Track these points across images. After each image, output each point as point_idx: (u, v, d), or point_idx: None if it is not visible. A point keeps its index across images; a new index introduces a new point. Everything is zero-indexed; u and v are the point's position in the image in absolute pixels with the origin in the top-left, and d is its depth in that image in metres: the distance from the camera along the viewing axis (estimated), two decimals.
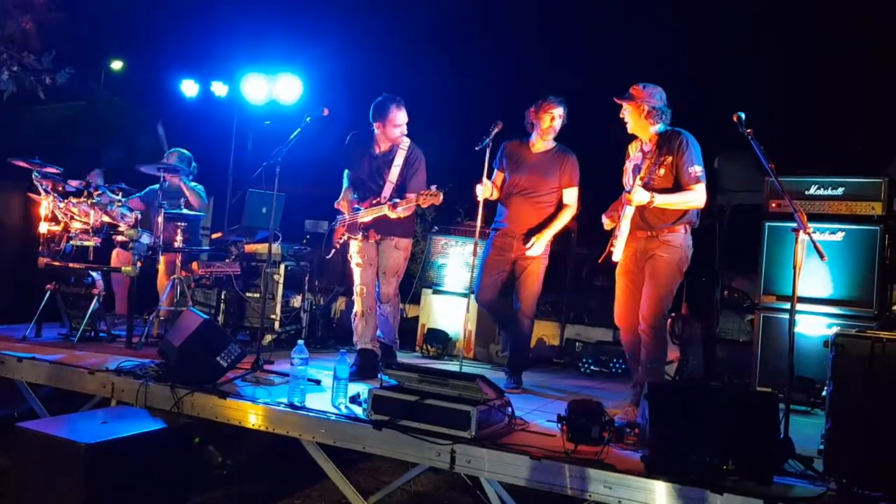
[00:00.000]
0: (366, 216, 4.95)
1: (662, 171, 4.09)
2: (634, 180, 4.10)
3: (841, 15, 7.28)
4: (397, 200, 4.82)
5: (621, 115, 4.31)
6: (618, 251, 4.20)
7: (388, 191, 4.98)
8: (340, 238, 5.14)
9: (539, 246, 4.81)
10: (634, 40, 8.36)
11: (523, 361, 5.08)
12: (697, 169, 4.09)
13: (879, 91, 7.12)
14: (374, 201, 4.97)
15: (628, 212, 4.14)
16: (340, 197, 5.16)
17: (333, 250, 5.21)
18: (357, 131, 5.18)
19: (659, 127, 4.22)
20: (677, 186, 4.11)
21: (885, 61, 7.01)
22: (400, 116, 4.91)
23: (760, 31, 7.78)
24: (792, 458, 3.16)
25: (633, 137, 4.41)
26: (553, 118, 4.83)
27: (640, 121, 4.22)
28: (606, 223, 4.35)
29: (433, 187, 4.71)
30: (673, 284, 4.19)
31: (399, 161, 4.99)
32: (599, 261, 4.35)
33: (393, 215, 4.81)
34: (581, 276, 7.78)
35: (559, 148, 4.96)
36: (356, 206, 5.05)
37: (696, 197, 4.08)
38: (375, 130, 4.98)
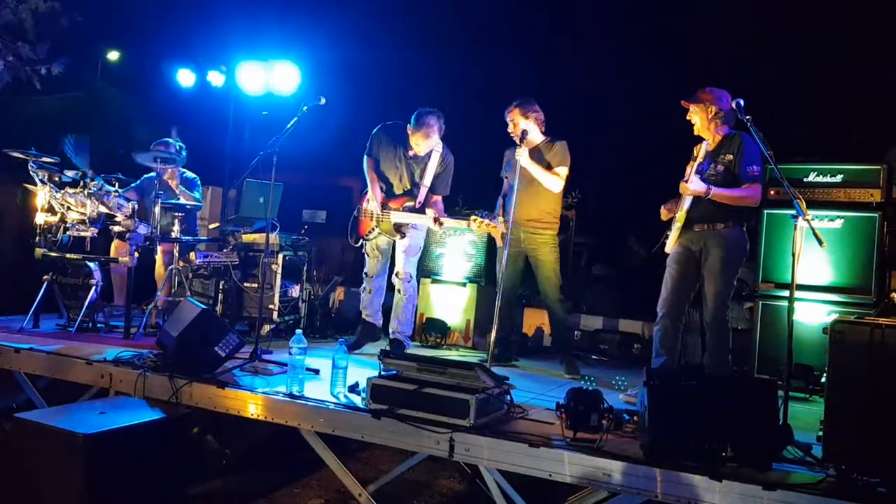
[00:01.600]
0: (403, 218, 5.16)
1: (721, 168, 4.29)
2: (692, 172, 4.27)
3: (839, 8, 7.27)
4: (443, 218, 5.06)
5: (688, 118, 4.45)
6: (669, 243, 4.42)
7: (422, 195, 5.21)
8: (369, 231, 5.29)
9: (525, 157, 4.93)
10: (631, 36, 8.34)
11: (567, 344, 5.31)
12: (755, 168, 4.24)
13: (876, 82, 7.11)
14: (407, 203, 5.16)
15: (685, 204, 4.30)
16: (369, 193, 5.25)
17: (363, 241, 5.38)
18: (390, 123, 5.31)
19: (724, 129, 4.37)
20: (734, 184, 4.26)
21: (882, 53, 6.99)
22: (432, 138, 5.07)
23: (758, 24, 7.76)
24: (791, 444, 3.16)
25: (669, 137, 4.64)
26: (513, 124, 5.06)
27: (707, 122, 4.36)
28: (664, 214, 4.52)
29: (484, 213, 4.94)
30: (733, 278, 4.36)
31: (433, 165, 5.20)
32: (652, 251, 4.56)
33: (435, 227, 5.10)
34: (580, 265, 7.79)
35: (549, 139, 5.16)
36: (384, 202, 5.21)
37: (750, 194, 4.25)
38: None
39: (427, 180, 5.19)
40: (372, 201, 5.20)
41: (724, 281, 4.28)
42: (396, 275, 5.30)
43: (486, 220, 4.91)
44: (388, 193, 5.25)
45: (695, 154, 4.51)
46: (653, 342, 4.50)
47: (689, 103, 4.39)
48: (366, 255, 5.42)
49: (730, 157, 4.29)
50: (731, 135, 4.36)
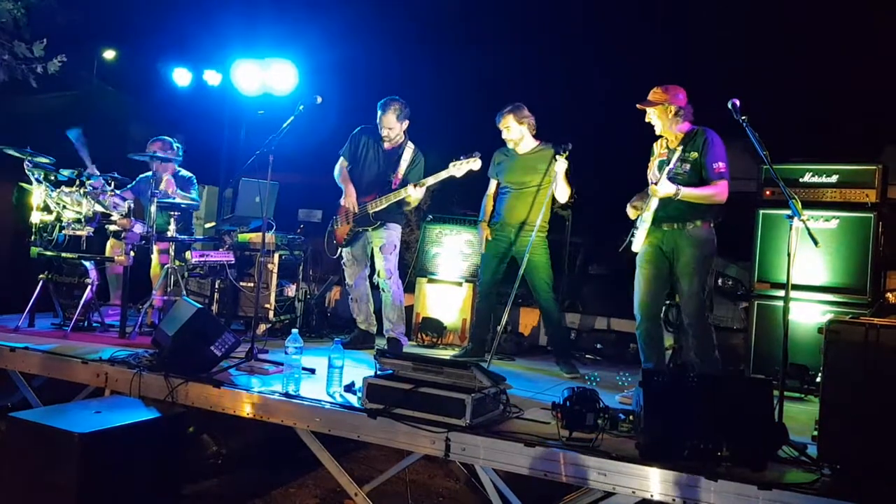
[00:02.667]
0: (379, 205, 5.29)
1: (687, 166, 4.27)
2: (661, 175, 4.22)
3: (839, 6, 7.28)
4: (419, 182, 5.21)
5: (647, 120, 4.41)
6: (637, 242, 4.37)
7: (396, 183, 5.35)
8: (345, 237, 5.44)
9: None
10: (627, 34, 8.35)
11: (565, 344, 5.33)
12: (721, 165, 4.23)
13: (871, 82, 7.13)
14: (383, 191, 5.32)
15: (653, 204, 4.28)
16: (345, 194, 5.44)
17: (340, 249, 5.53)
18: (366, 126, 5.48)
19: (685, 125, 4.34)
20: (701, 182, 4.24)
21: (878, 53, 7.00)
22: (396, 119, 5.27)
23: (754, 20, 7.77)
24: (786, 444, 3.17)
25: (656, 136, 4.50)
26: (508, 129, 5.15)
27: (668, 123, 4.33)
28: (631, 213, 4.49)
29: (461, 157, 5.08)
30: (707, 276, 4.35)
31: (407, 157, 5.39)
32: (619, 250, 4.52)
33: (417, 194, 5.20)
34: (576, 265, 7.79)
35: (543, 146, 5.21)
36: (360, 200, 5.38)
37: (718, 192, 4.22)
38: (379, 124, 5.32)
39: (401, 171, 5.36)
40: (349, 197, 5.39)
41: (699, 280, 4.26)
42: (378, 275, 5.44)
43: (464, 161, 5.07)
44: (367, 190, 5.40)
45: (654, 150, 4.50)
46: (639, 347, 4.48)
47: (645, 106, 4.34)
48: (343, 267, 5.59)
49: (695, 154, 4.25)
50: (694, 131, 4.32)
